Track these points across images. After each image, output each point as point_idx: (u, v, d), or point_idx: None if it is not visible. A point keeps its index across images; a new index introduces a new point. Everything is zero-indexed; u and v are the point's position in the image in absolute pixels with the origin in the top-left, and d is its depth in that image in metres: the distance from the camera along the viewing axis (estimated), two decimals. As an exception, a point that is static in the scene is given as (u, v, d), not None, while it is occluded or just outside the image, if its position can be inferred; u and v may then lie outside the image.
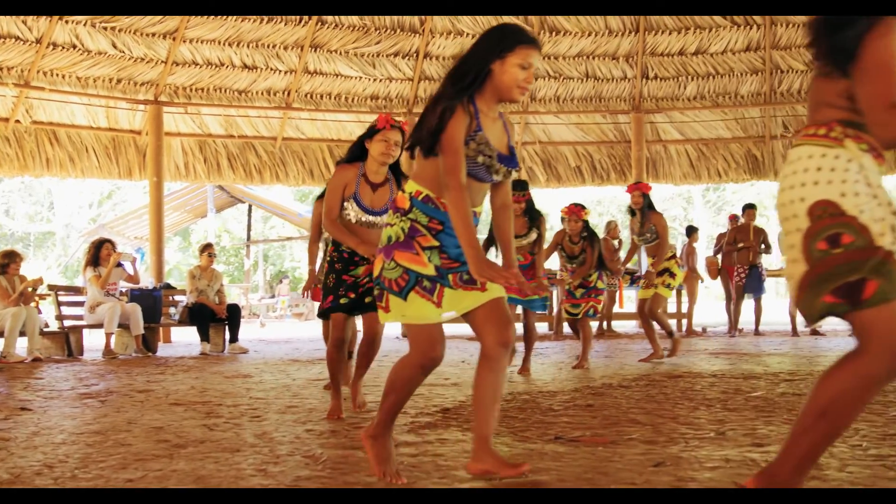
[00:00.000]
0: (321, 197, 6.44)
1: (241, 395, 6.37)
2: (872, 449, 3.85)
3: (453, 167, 3.09)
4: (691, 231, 14.66)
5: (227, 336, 11.28)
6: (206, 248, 11.69)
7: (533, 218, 7.77)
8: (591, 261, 8.34)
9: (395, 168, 5.15)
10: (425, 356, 3.22)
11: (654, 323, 8.91)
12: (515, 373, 7.53)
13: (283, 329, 18.92)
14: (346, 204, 5.01)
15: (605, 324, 13.83)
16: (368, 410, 5.35)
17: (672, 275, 8.88)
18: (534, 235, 7.74)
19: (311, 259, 6.64)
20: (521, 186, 7.78)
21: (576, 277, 8.42)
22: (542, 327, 14.53)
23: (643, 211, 8.92)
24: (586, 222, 8.42)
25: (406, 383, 3.29)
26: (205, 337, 10.98)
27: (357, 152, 5.11)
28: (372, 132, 5.02)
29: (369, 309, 5.08)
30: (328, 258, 5.24)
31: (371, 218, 5.00)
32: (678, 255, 14.88)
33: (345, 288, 5.07)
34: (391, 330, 16.02)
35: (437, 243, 3.20)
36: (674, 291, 14.14)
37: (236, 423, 4.92)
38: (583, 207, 8.38)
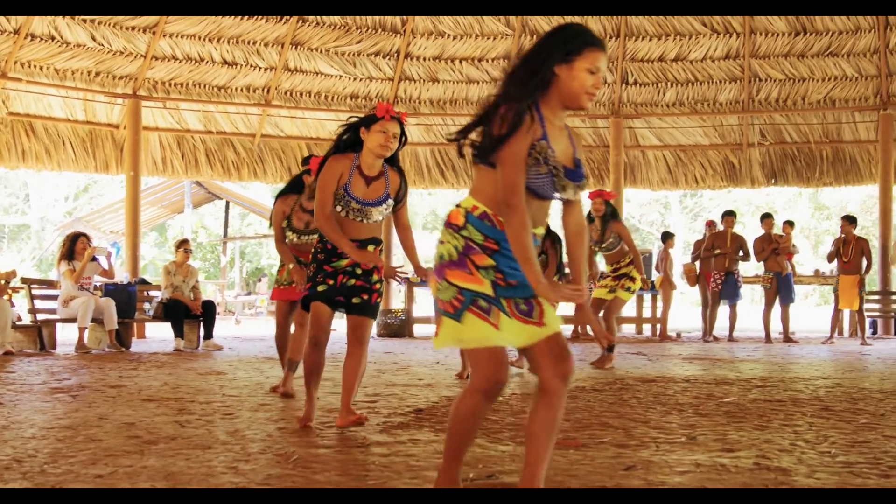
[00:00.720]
0: (283, 194, 6.46)
1: (214, 392, 6.35)
2: (841, 456, 3.89)
3: (512, 182, 2.79)
4: (667, 237, 14.72)
5: (202, 332, 11.23)
6: (182, 244, 11.63)
7: None
8: (553, 264, 8.27)
9: (391, 161, 4.79)
10: (489, 381, 2.86)
11: (596, 327, 8.80)
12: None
13: (259, 327, 18.86)
14: (336, 194, 4.65)
15: (578, 327, 13.85)
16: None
17: (632, 279, 8.76)
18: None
19: (288, 256, 6.37)
20: None
21: None
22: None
23: (605, 219, 8.77)
24: (548, 225, 8.33)
25: (471, 415, 2.94)
26: (179, 333, 10.93)
27: (349, 141, 4.72)
28: (370, 121, 4.64)
29: (356, 311, 4.72)
30: (311, 250, 5.00)
31: (364, 208, 4.63)
32: (654, 261, 14.98)
33: (324, 275, 4.71)
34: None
35: (492, 263, 2.89)
36: (640, 296, 14.18)
37: (208, 421, 4.90)
38: None
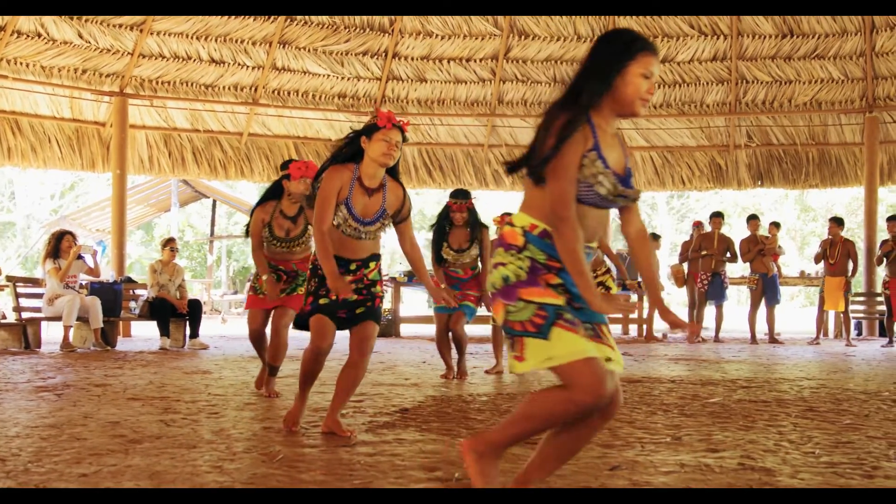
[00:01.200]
0: (262, 202, 6.24)
1: (199, 391, 6.33)
2: (825, 456, 3.91)
3: (563, 193, 2.70)
4: (654, 238, 14.74)
5: (188, 331, 11.20)
6: (169, 243, 11.59)
7: (475, 230, 7.65)
8: None
9: (392, 173, 4.60)
10: (594, 394, 2.66)
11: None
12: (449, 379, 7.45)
13: (245, 326, 18.79)
14: (335, 210, 4.45)
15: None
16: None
17: (607, 289, 8.62)
18: (476, 251, 7.66)
19: (263, 267, 6.17)
20: (462, 195, 7.66)
21: None
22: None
23: None
24: None
25: (556, 419, 2.76)
26: (165, 332, 10.90)
27: (350, 152, 4.52)
28: (371, 130, 4.44)
29: (360, 320, 4.54)
30: (310, 265, 4.65)
31: (361, 227, 4.46)
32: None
33: (326, 290, 4.46)
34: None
35: (560, 281, 2.78)
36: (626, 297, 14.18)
37: (194, 420, 4.89)
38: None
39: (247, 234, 6.35)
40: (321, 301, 4.50)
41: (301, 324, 4.68)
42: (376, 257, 4.62)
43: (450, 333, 7.60)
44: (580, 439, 2.87)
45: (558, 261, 2.77)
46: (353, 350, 4.56)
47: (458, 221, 7.59)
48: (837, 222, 13.53)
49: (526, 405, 2.80)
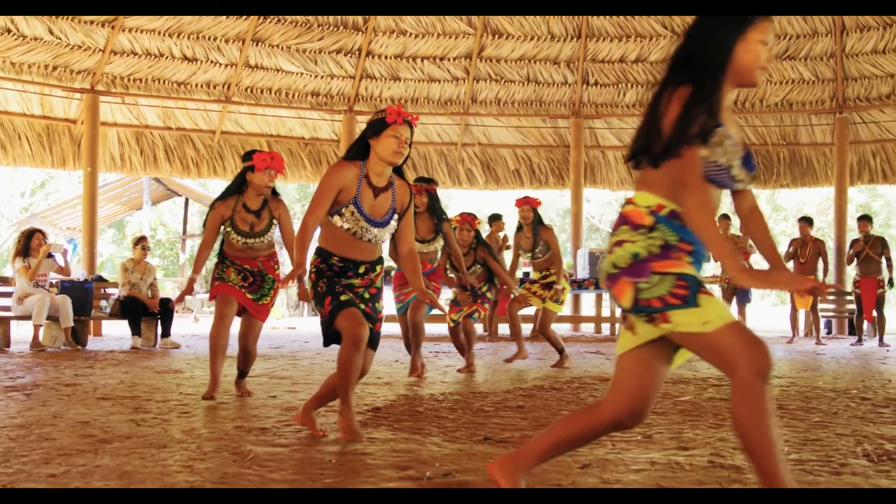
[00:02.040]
0: (223, 198, 5.92)
1: (170, 390, 6.30)
2: (793, 454, 3.94)
3: (692, 164, 2.55)
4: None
5: (160, 330, 11.14)
6: (140, 241, 11.52)
7: (438, 220, 7.45)
8: (483, 272, 8.19)
9: (398, 171, 4.45)
10: (765, 357, 2.49)
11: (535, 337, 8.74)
12: (408, 375, 7.46)
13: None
14: (343, 210, 4.24)
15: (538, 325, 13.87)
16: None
17: (561, 289, 8.53)
18: (439, 243, 7.52)
19: (198, 266, 6.01)
20: (424, 180, 7.51)
21: (454, 284, 8.08)
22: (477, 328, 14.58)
23: (534, 226, 8.53)
24: (477, 232, 8.19)
25: (764, 415, 2.50)
26: (136, 331, 10.83)
27: (360, 151, 4.35)
28: (380, 127, 4.27)
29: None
30: (314, 268, 4.38)
31: (373, 229, 4.29)
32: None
33: (342, 287, 4.29)
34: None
35: (691, 261, 2.65)
36: (599, 294, 14.20)
37: (164, 419, 4.86)
38: (475, 217, 8.16)
39: (204, 225, 6.02)
40: (343, 297, 4.27)
41: (329, 335, 4.35)
42: (381, 261, 4.49)
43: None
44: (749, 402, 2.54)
45: (690, 243, 2.64)
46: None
47: (419, 206, 7.30)
48: (808, 222, 13.66)
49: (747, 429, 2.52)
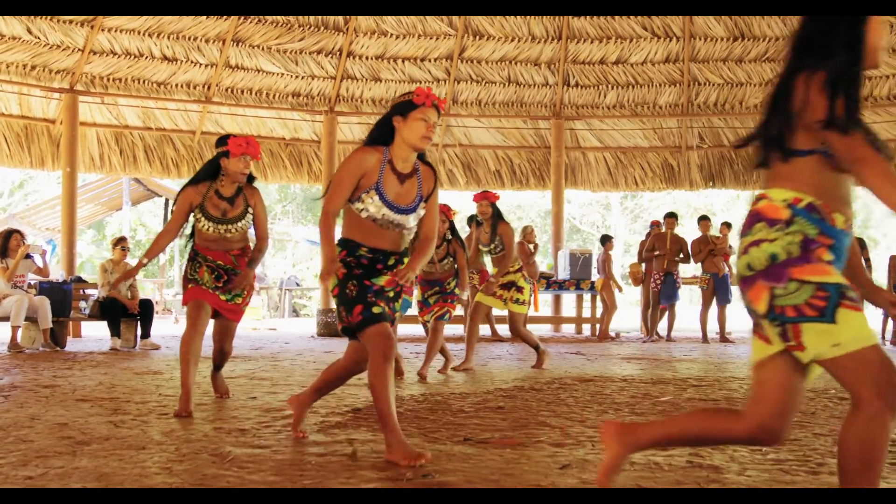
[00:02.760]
0: (194, 182, 5.53)
1: (150, 391, 6.27)
2: (772, 454, 3.96)
3: (860, 140, 2.42)
4: (606, 239, 14.80)
5: (139, 331, 11.09)
6: (120, 242, 11.45)
7: None
8: (453, 265, 7.82)
9: (421, 157, 4.16)
10: (881, 394, 2.36)
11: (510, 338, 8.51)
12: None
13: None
14: (363, 196, 3.91)
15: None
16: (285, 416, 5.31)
17: (519, 289, 8.32)
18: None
19: (152, 251, 5.64)
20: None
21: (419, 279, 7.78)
22: (457, 329, 14.59)
23: (493, 221, 8.34)
24: (452, 224, 7.88)
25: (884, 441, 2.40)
26: (115, 332, 10.77)
27: (383, 134, 4.03)
28: (407, 108, 3.97)
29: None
30: (341, 262, 3.95)
31: (396, 217, 3.96)
32: (594, 263, 15.08)
33: (374, 294, 3.93)
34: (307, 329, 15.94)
35: (832, 258, 2.50)
36: (580, 295, 14.24)
37: (143, 421, 4.84)
38: (449, 207, 7.89)
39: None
40: (375, 310, 3.88)
41: (349, 332, 4.01)
42: (408, 253, 4.17)
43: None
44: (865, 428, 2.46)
45: (830, 236, 2.50)
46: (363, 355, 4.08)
47: None
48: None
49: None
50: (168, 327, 17.23)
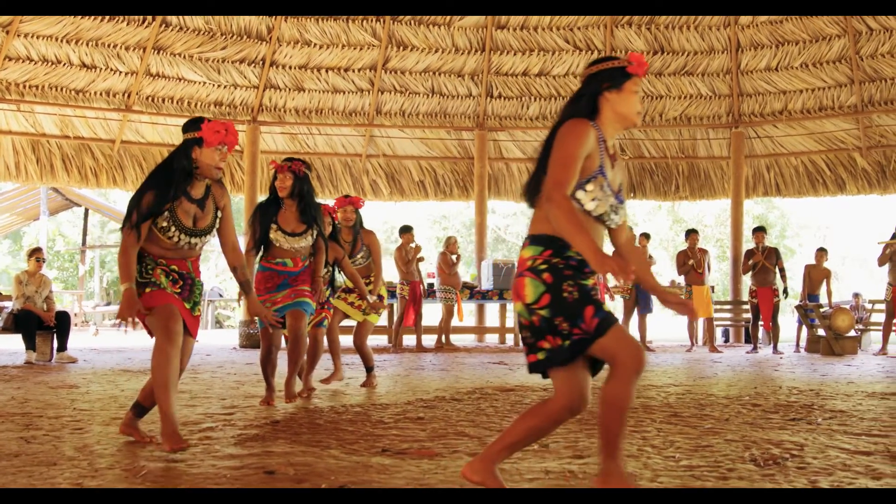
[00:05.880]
0: (162, 182, 4.38)
1: (64, 406, 6.14)
2: (684, 460, 4.03)
3: None
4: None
5: (55, 344, 10.86)
6: (35, 253, 11.22)
7: (308, 209, 6.23)
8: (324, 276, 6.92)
9: None
10: None
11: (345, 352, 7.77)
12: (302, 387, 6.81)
13: (117, 338, 18.34)
14: (587, 185, 3.15)
15: (443, 337, 13.96)
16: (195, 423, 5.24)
17: (380, 298, 7.73)
18: (310, 237, 6.25)
19: (129, 271, 4.31)
20: (290, 158, 6.28)
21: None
22: (381, 340, 14.59)
23: (354, 228, 7.66)
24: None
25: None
26: (30, 345, 10.53)
27: (587, 109, 3.27)
28: (621, 77, 3.25)
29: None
30: (543, 264, 3.12)
31: (620, 208, 3.30)
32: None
33: (597, 293, 3.19)
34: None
35: None
36: (503, 304, 14.28)
37: (56, 436, 4.74)
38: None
39: (129, 218, 4.33)
40: (606, 309, 3.14)
41: (572, 356, 3.10)
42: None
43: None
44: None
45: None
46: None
47: (282, 192, 6.13)
48: (695, 232, 14.12)
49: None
50: (87, 340, 16.90)
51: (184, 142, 4.42)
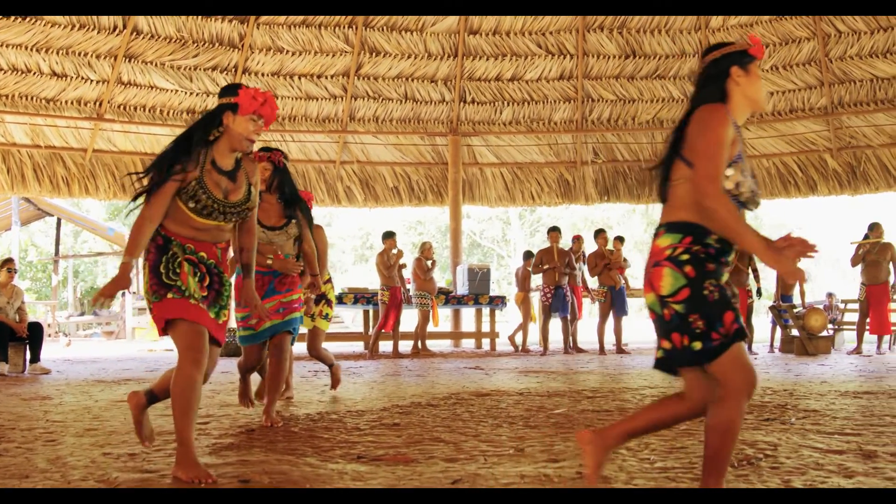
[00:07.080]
0: (183, 150, 3.94)
1: (37, 418, 6.09)
2: (659, 462, 4.05)
3: None
4: (527, 256, 14.83)
5: (28, 356, 10.77)
6: (6, 264, 11.12)
7: (290, 201, 5.97)
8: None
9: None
10: None
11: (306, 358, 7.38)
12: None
13: (91, 348, 18.21)
14: (728, 172, 2.98)
15: (419, 343, 13.94)
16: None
17: (328, 302, 7.46)
18: (295, 229, 6.01)
19: (136, 247, 3.85)
20: (267, 148, 5.93)
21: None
22: (358, 346, 14.55)
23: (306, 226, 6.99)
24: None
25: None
26: (2, 357, 10.44)
27: (716, 93, 3.13)
28: (746, 59, 3.13)
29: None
30: (684, 253, 2.97)
31: (757, 190, 3.10)
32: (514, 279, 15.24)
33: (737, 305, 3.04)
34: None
35: None
36: (479, 310, 14.31)
37: (28, 448, 4.70)
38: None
39: (139, 195, 3.98)
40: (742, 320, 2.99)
41: (706, 356, 2.97)
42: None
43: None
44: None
45: None
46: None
47: (261, 184, 5.75)
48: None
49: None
50: (61, 350, 16.77)
51: (218, 106, 4.07)
